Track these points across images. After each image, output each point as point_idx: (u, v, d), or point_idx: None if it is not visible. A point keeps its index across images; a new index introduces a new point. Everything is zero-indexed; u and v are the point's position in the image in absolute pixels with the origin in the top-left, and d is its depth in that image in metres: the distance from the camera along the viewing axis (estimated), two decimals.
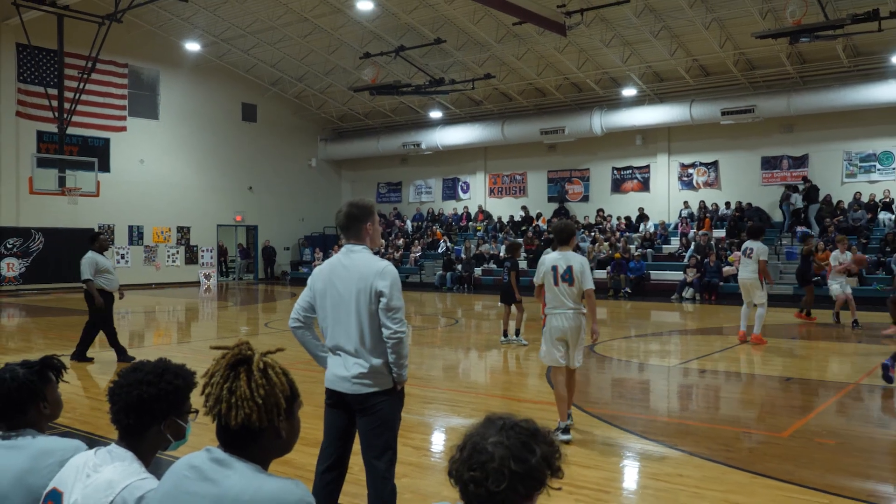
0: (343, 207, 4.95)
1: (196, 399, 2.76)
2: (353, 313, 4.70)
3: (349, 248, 4.86)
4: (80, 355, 12.80)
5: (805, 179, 28.93)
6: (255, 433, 2.45)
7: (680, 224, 31.32)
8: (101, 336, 12.84)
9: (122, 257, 33.12)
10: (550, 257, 7.94)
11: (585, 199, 35.44)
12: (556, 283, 7.74)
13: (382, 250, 34.15)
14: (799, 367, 12.60)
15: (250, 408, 2.41)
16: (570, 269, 7.70)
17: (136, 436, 2.79)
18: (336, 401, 4.84)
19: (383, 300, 4.66)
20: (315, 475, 4.88)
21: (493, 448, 2.18)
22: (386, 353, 4.72)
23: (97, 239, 13.00)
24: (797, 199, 28.74)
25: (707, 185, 32.19)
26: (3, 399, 3.11)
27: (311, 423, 5.73)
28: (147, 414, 2.77)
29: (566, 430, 7.70)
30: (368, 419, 4.74)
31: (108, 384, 2.84)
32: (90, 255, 12.66)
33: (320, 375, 4.96)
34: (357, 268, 4.75)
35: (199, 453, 2.48)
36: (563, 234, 8.01)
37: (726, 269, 25.80)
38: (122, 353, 12.74)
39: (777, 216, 29.80)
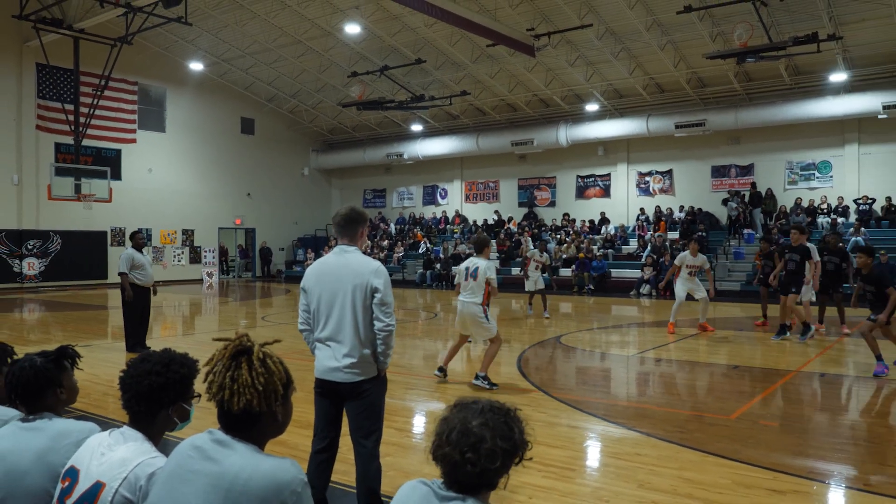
0: (343, 210, 4.90)
1: (198, 385, 2.75)
2: (349, 307, 4.68)
3: (342, 248, 4.83)
4: (136, 346, 12.41)
5: (753, 186, 29.15)
6: (255, 417, 2.46)
7: (637, 227, 31.46)
8: (115, 326, 12.58)
9: None
10: (468, 261, 9.58)
11: (552, 204, 35.54)
12: (465, 279, 9.40)
13: (368, 251, 34.09)
14: (744, 356, 12.67)
15: (251, 394, 2.42)
16: (477, 269, 9.27)
17: (146, 420, 2.78)
18: (326, 390, 4.80)
19: (377, 296, 4.66)
20: (310, 455, 4.86)
21: (480, 430, 2.20)
22: (373, 343, 4.71)
23: (134, 237, 12.86)
24: (732, 207, 28.97)
25: (662, 191, 32.34)
26: (22, 386, 3.11)
27: (303, 408, 5.73)
28: (156, 402, 2.76)
29: (441, 370, 9.89)
30: (358, 403, 4.73)
31: (119, 373, 2.82)
32: (128, 252, 12.51)
33: (311, 364, 4.94)
34: (352, 266, 4.73)
35: (201, 435, 2.48)
36: (478, 245, 9.57)
37: None
38: (133, 345, 12.45)
39: (726, 219, 29.93)
